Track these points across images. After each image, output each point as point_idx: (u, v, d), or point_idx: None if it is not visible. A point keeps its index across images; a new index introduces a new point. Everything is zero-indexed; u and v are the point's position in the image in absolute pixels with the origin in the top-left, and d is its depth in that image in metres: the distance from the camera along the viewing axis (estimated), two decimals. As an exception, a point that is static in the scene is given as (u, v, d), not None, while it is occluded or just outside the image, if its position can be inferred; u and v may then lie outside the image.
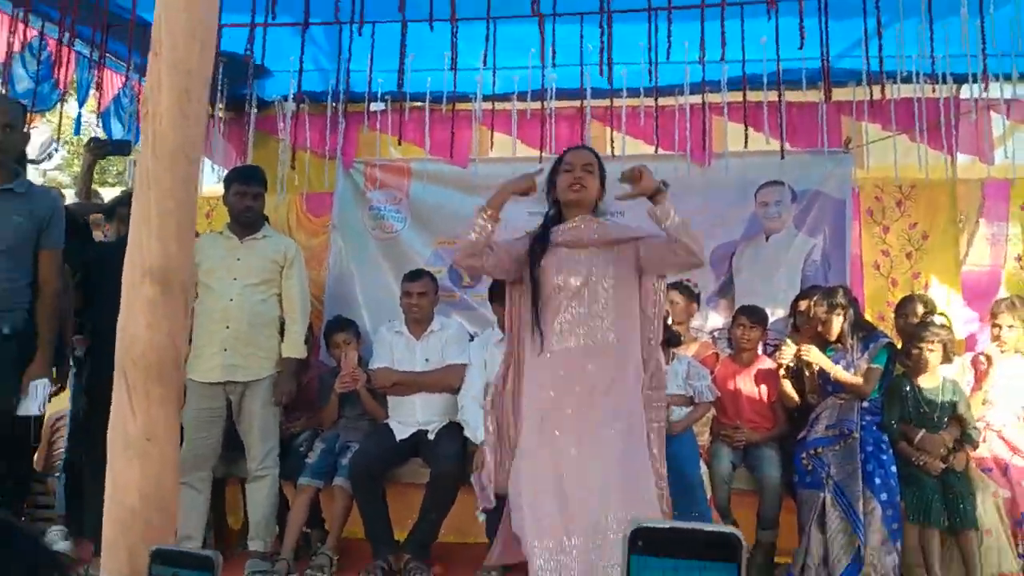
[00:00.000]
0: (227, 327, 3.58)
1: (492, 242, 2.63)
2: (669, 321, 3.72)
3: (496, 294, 3.84)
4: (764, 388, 3.82)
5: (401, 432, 3.82)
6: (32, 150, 4.94)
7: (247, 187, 3.69)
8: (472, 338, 4.08)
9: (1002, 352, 3.68)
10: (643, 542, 0.61)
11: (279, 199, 4.56)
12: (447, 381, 3.86)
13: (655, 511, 2.50)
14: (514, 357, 2.77)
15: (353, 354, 3.86)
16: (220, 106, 4.66)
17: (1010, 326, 3.66)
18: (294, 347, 3.70)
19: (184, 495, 3.52)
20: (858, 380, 3.45)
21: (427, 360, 3.91)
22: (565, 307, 2.59)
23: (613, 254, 2.63)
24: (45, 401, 3.16)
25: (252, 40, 3.63)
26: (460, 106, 4.31)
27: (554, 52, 3.43)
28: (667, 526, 0.62)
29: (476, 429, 3.67)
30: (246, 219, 3.70)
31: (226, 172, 4.24)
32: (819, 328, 3.64)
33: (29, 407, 3.07)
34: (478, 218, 2.60)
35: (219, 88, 4.34)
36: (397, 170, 4.67)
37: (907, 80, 3.80)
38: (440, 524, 3.65)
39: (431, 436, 3.79)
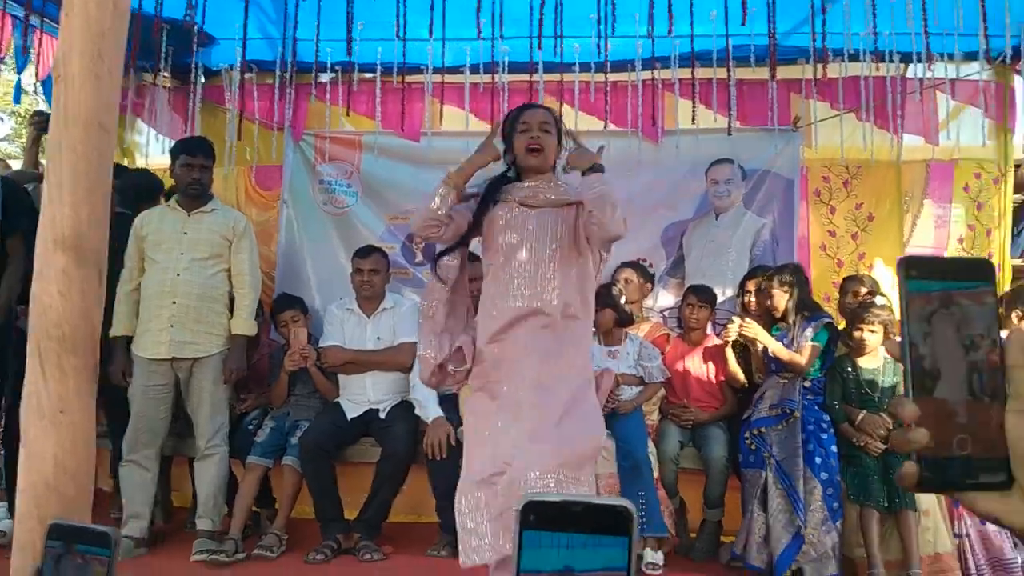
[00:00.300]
0: (174, 302, 3.52)
1: (451, 211, 2.54)
2: (623, 300, 3.74)
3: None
4: (712, 367, 3.84)
5: (352, 411, 3.80)
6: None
7: (193, 159, 3.64)
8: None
9: None
10: (535, 516, 0.61)
11: (227, 171, 4.46)
12: (399, 359, 3.84)
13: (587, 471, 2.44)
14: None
15: (302, 332, 3.81)
16: (165, 74, 4.53)
17: None
18: (244, 324, 3.65)
19: (131, 473, 3.51)
20: (797, 356, 3.49)
21: (378, 338, 3.89)
22: (510, 265, 2.49)
23: (560, 216, 2.53)
24: None
25: (193, 5, 3.52)
26: (411, 78, 4.24)
27: (501, 24, 3.38)
28: (558, 500, 0.61)
29: (427, 407, 3.66)
30: (193, 191, 3.64)
31: (172, 143, 4.14)
32: (767, 304, 3.68)
33: None
34: (440, 187, 2.52)
35: (163, 56, 4.22)
36: (348, 143, 4.59)
37: (854, 58, 3.81)
38: (391, 503, 3.65)
39: (382, 415, 3.79)
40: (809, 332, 3.52)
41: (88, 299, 1.58)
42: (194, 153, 3.65)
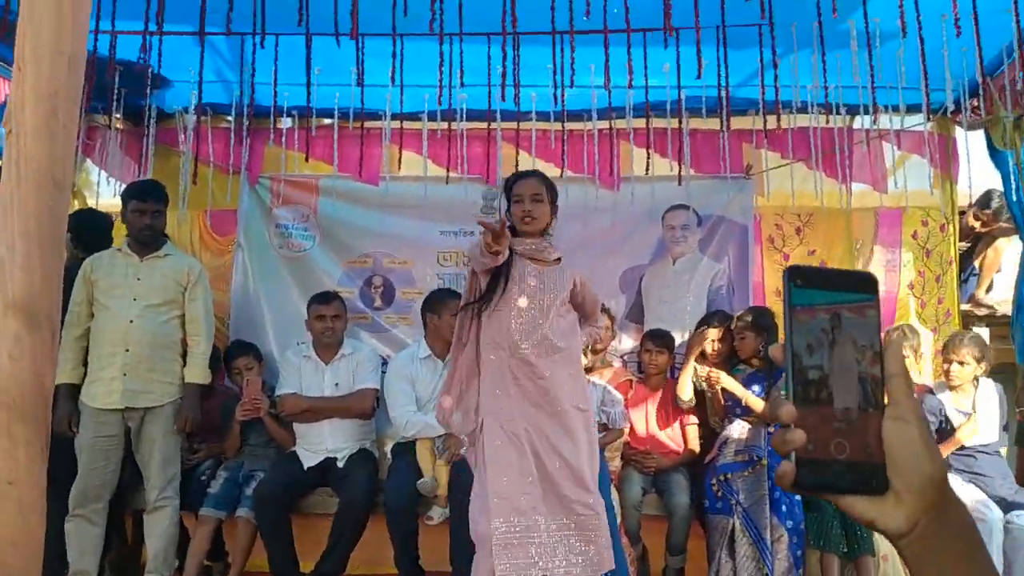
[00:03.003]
0: (127, 350, 3.43)
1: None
2: (600, 346, 3.81)
3: (432, 306, 3.78)
4: (674, 412, 3.86)
5: (309, 460, 3.73)
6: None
7: (144, 203, 3.55)
8: (384, 362, 4.01)
9: None
10: None
11: (180, 216, 4.38)
12: (359, 406, 3.80)
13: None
14: (467, 359, 2.90)
15: (256, 380, 3.74)
16: (117, 116, 4.44)
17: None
18: (198, 372, 3.57)
19: (77, 528, 3.38)
20: (765, 406, 3.52)
21: (337, 385, 3.83)
22: (521, 314, 2.78)
23: (557, 274, 2.89)
24: None
25: (146, 49, 3.47)
26: (369, 124, 4.24)
27: (462, 72, 3.41)
28: None
29: (410, 427, 3.63)
30: (145, 237, 3.56)
31: (123, 185, 4.06)
32: (735, 344, 3.74)
33: None
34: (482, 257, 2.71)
35: (115, 97, 4.15)
36: (305, 186, 4.54)
37: (803, 110, 3.94)
38: (348, 555, 3.56)
39: (340, 464, 3.72)
40: (782, 380, 3.56)
41: (40, 364, 1.52)
42: (145, 198, 3.57)
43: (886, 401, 0.62)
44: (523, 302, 2.79)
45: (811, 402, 0.61)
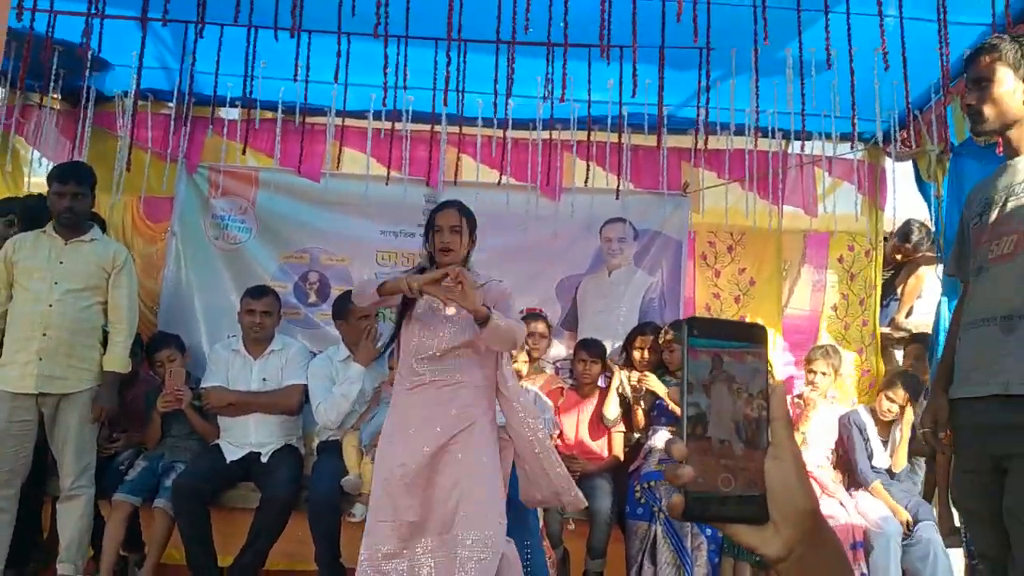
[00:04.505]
0: (44, 334, 3.35)
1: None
2: (536, 353, 3.89)
3: (340, 313, 3.78)
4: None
5: (232, 453, 3.68)
6: None
7: (64, 186, 3.46)
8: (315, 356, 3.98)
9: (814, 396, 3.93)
10: None
11: (114, 200, 4.29)
12: (286, 402, 3.77)
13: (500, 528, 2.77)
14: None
15: (179, 371, 3.69)
16: (54, 96, 4.34)
17: (823, 373, 3.94)
18: (117, 361, 3.49)
19: (-14, 515, 3.27)
20: None
21: (264, 380, 3.80)
22: (432, 342, 2.84)
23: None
24: None
25: (88, 33, 3.40)
26: (312, 119, 4.21)
27: (407, 75, 3.43)
28: None
29: (331, 410, 3.62)
30: (66, 220, 3.47)
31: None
32: (664, 356, 3.81)
33: None
34: (372, 296, 2.86)
35: (52, 78, 4.05)
36: (244, 178, 4.49)
37: (740, 132, 4.05)
38: (268, 550, 3.52)
39: (264, 458, 3.68)
40: None
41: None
42: (65, 180, 3.47)
43: (768, 441, 0.67)
44: (436, 326, 2.87)
45: (701, 440, 0.66)
